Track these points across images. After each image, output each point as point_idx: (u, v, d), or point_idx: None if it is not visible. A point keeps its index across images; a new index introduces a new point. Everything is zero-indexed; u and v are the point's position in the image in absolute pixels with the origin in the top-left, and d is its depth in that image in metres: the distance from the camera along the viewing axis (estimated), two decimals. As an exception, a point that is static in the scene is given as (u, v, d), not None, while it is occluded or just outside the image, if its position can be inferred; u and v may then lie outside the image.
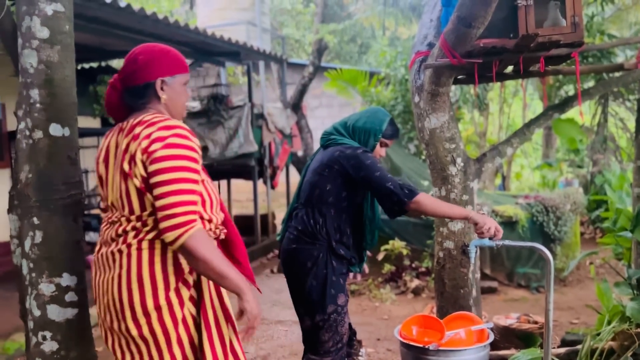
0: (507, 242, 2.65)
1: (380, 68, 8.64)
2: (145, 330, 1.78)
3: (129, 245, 1.80)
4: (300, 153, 10.18)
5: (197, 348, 1.83)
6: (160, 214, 1.71)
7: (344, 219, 2.62)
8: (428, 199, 2.49)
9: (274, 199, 10.85)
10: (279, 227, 9.13)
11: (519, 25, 2.99)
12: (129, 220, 1.82)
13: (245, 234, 8.45)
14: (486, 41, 3.02)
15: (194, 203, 1.75)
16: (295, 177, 10.55)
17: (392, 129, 2.73)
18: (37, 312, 2.31)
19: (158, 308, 1.77)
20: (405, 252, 5.57)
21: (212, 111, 7.37)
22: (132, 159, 1.76)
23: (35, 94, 2.28)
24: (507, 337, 3.73)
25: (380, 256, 5.61)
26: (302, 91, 9.61)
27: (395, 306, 5.16)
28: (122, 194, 1.81)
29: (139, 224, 1.80)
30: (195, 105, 7.73)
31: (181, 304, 1.80)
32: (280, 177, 8.50)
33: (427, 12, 3.69)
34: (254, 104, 7.72)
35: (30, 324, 2.35)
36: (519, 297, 5.33)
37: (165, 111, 1.91)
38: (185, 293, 1.82)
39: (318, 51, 9.55)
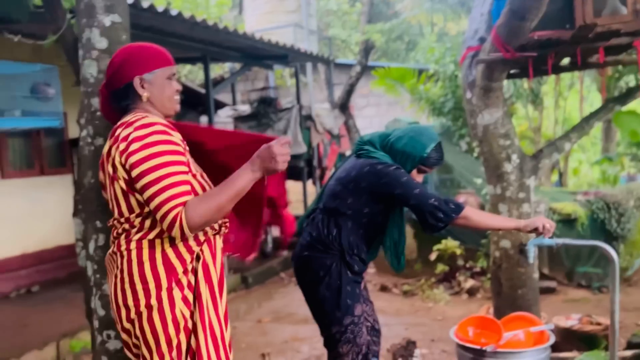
0: (567, 241, 2.56)
1: (429, 65, 8.52)
2: (137, 330, 1.77)
3: (120, 248, 1.79)
4: (348, 153, 10.18)
5: (189, 352, 1.79)
6: (157, 216, 1.68)
7: (360, 234, 2.48)
8: (475, 213, 2.39)
9: (324, 200, 10.88)
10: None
11: (575, 15, 2.89)
12: (120, 223, 1.81)
13: (297, 235, 8.52)
14: (541, 33, 2.94)
15: (183, 194, 1.68)
16: (344, 178, 10.57)
17: (436, 156, 2.46)
18: (101, 312, 2.40)
19: (149, 307, 1.74)
20: (459, 251, 5.47)
21: (262, 114, 7.47)
22: (114, 161, 1.75)
23: (96, 102, 2.38)
24: (568, 339, 3.60)
25: (433, 256, 5.54)
26: (349, 91, 9.59)
27: (449, 307, 5.07)
28: (112, 197, 1.81)
29: (127, 226, 1.79)
30: (245, 109, 7.87)
31: (172, 304, 1.75)
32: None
33: (478, 7, 3.61)
34: (302, 105, 7.78)
35: (96, 323, 2.44)
36: (579, 297, 5.13)
37: (152, 108, 1.86)
38: (178, 294, 1.76)
39: (365, 50, 9.51)
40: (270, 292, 5.97)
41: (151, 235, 1.76)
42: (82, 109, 2.44)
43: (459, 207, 2.31)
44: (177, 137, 1.75)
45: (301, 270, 2.57)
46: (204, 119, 10.15)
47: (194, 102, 8.44)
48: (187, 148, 1.80)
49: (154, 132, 1.71)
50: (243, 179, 1.72)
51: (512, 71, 3.47)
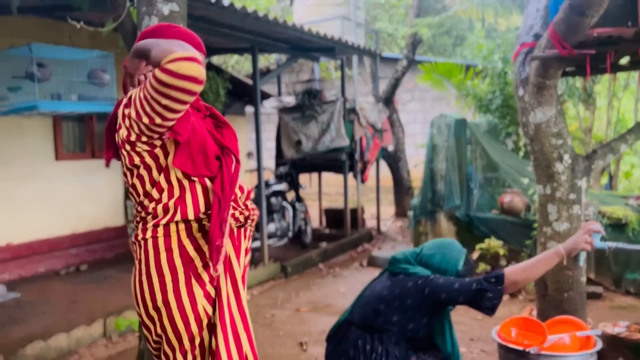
0: (620, 245, 2.49)
1: (476, 61, 8.36)
2: (158, 327, 1.71)
3: (137, 237, 1.74)
4: (390, 148, 10.11)
5: (209, 348, 1.72)
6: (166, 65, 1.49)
7: (402, 345, 2.49)
8: (516, 272, 2.37)
9: (364, 193, 10.87)
10: (368, 222, 9.19)
11: (638, 12, 2.78)
12: (138, 211, 1.76)
13: (335, 227, 8.58)
14: (601, 30, 2.85)
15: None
16: (385, 172, 10.51)
17: (466, 268, 2.57)
18: (150, 292, 2.47)
19: (166, 304, 1.68)
20: (502, 251, 5.37)
21: (306, 106, 7.50)
22: (120, 136, 1.69)
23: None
24: (614, 347, 3.49)
25: (475, 255, 5.46)
26: (394, 85, 9.53)
27: (489, 307, 4.99)
28: (130, 182, 1.75)
29: (143, 213, 1.73)
30: (290, 100, 7.92)
31: (193, 301, 1.68)
32: (371, 171, 8.49)
33: (533, 2, 3.52)
34: (347, 98, 7.76)
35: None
36: (627, 304, 4.96)
37: None
38: (199, 291, 1.69)
39: (412, 45, 9.42)
40: (309, 283, 6.02)
41: (164, 220, 1.69)
42: (139, 95, 2.51)
43: (500, 276, 2.35)
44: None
45: None
46: (249, 109, 10.29)
47: (241, 92, 8.55)
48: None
49: None
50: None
51: (567, 69, 3.38)
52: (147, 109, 1.55)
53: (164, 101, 1.51)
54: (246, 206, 1.83)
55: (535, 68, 3.16)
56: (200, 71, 1.48)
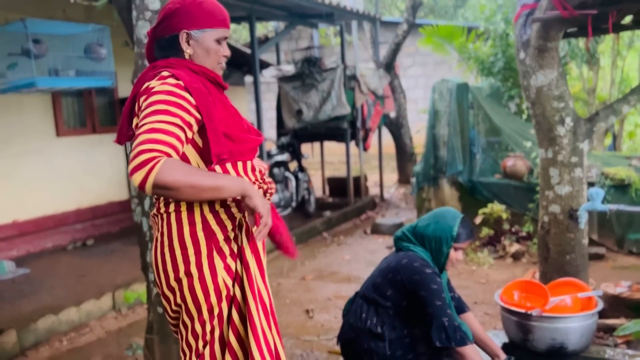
0: (621, 207, 2.50)
1: (478, 23, 8.22)
2: (178, 297, 1.73)
3: (159, 210, 1.74)
4: (392, 114, 10.05)
5: (230, 321, 1.74)
6: (132, 152, 1.51)
7: (398, 319, 2.52)
8: (474, 355, 2.37)
9: (366, 161, 10.88)
10: (372, 189, 9.21)
11: (642, -31, 2.72)
12: None
13: (338, 196, 8.61)
14: (603, -11, 2.78)
15: (164, 143, 1.51)
16: (387, 139, 10.48)
17: (466, 232, 2.54)
18: (156, 266, 2.51)
19: (188, 274, 1.69)
20: (505, 215, 5.39)
21: (306, 74, 7.43)
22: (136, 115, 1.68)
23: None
24: (616, 307, 3.53)
25: (478, 220, 5.48)
26: (395, 50, 9.40)
27: (493, 270, 5.05)
28: None
29: None
30: (289, 69, 7.84)
31: (213, 273, 1.69)
32: (373, 139, 8.46)
33: (535, -39, 3.44)
34: (347, 65, 7.68)
35: (151, 276, 2.56)
36: (629, 264, 5.01)
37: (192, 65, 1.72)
38: (220, 263, 1.70)
39: (412, 8, 9.25)
40: (313, 251, 6.09)
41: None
42: (136, 69, 2.50)
43: (463, 341, 2.35)
44: (185, 94, 1.61)
45: (346, 352, 2.65)
46: (248, 79, 10.20)
47: (239, 62, 8.46)
48: (200, 113, 1.64)
49: (165, 84, 1.62)
50: (233, 185, 1.61)
51: (568, 30, 3.32)
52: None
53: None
54: (264, 180, 1.83)
55: (537, 30, 3.11)
56: (139, 179, 1.48)
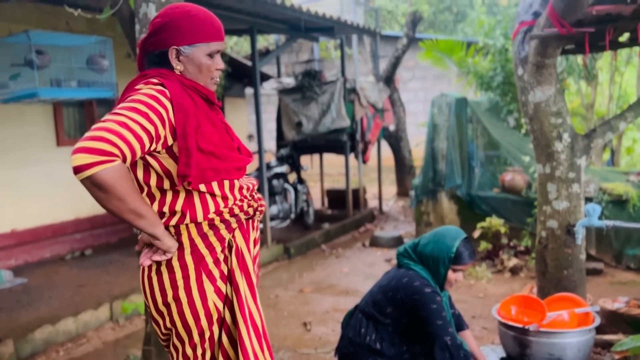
0: (618, 223, 2.51)
1: (478, 37, 8.29)
2: (168, 321, 1.70)
3: None
4: (392, 127, 10.09)
5: (220, 344, 1.70)
6: (86, 133, 1.44)
7: (397, 337, 2.53)
8: None
9: (365, 174, 10.90)
10: (370, 202, 9.22)
11: (638, -11, 2.76)
12: None
13: (337, 208, 8.62)
14: (599, 8, 2.83)
15: (129, 145, 1.45)
16: (386, 152, 10.51)
17: (467, 253, 2.49)
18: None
19: (177, 299, 1.65)
20: (503, 230, 5.40)
21: (306, 87, 7.47)
22: None
23: (151, 76, 2.44)
24: (614, 322, 3.54)
25: (476, 234, 5.49)
26: (395, 64, 9.47)
27: (491, 285, 5.05)
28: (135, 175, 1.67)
29: None
30: (290, 81, 7.89)
31: (203, 297, 1.65)
32: (372, 151, 8.50)
33: (533, -21, 3.49)
34: (347, 78, 7.73)
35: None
36: (627, 280, 5.01)
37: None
38: (210, 287, 1.66)
39: (412, 22, 9.34)
40: (312, 263, 6.08)
41: (173, 222, 1.63)
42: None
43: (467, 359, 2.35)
44: (166, 103, 1.56)
45: None
46: (249, 91, 10.25)
47: (240, 74, 8.52)
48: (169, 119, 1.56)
49: (151, 89, 1.58)
50: (151, 224, 1.56)
51: (566, 47, 3.36)
52: None
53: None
54: (253, 197, 1.78)
55: (535, 47, 3.15)
56: (82, 162, 1.39)
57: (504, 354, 2.98)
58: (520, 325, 2.73)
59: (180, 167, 1.57)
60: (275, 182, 7.07)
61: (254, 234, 1.81)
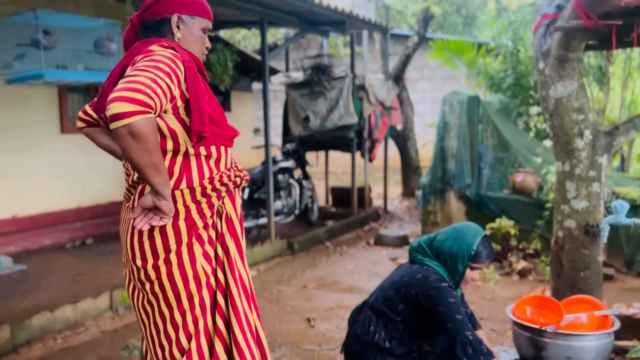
0: (645, 222, 2.40)
1: (488, 40, 8.20)
2: (156, 286, 1.71)
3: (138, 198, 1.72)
4: (399, 126, 9.99)
5: (216, 308, 1.75)
6: (117, 87, 1.48)
7: (407, 335, 2.43)
8: None
9: (371, 173, 10.79)
10: (375, 201, 9.11)
11: (671, -20, 2.65)
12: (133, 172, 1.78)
13: (342, 206, 8.52)
14: (629, 0, 2.72)
15: (159, 99, 1.52)
16: (393, 151, 10.40)
17: (486, 251, 2.39)
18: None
19: (167, 262, 1.69)
20: (512, 231, 5.29)
21: (315, 82, 7.37)
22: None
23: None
24: (629, 328, 3.43)
25: (484, 234, 5.38)
26: (405, 62, 9.37)
27: (499, 287, 4.94)
28: None
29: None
30: (298, 76, 7.78)
31: (192, 260, 1.70)
32: (379, 150, 8.39)
33: (557, -29, 3.39)
34: (356, 74, 7.63)
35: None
36: (639, 286, 4.90)
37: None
38: (199, 249, 1.72)
39: (424, 20, 9.24)
40: (315, 260, 5.98)
41: (170, 185, 1.68)
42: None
43: (491, 355, 2.24)
44: (179, 66, 1.64)
45: None
46: (256, 86, 10.16)
47: (248, 68, 8.43)
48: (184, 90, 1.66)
49: (165, 51, 1.65)
50: (164, 182, 1.60)
51: (589, 42, 3.26)
52: None
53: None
54: (237, 168, 1.92)
55: (558, 40, 3.04)
56: (123, 110, 1.44)
57: (517, 356, 2.87)
58: (537, 326, 2.63)
59: (194, 125, 1.66)
60: (280, 176, 6.96)
61: (239, 200, 1.92)
